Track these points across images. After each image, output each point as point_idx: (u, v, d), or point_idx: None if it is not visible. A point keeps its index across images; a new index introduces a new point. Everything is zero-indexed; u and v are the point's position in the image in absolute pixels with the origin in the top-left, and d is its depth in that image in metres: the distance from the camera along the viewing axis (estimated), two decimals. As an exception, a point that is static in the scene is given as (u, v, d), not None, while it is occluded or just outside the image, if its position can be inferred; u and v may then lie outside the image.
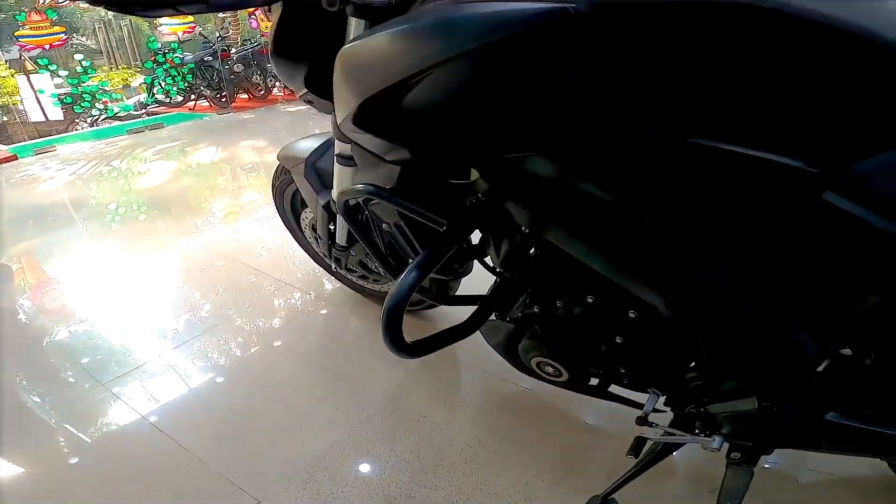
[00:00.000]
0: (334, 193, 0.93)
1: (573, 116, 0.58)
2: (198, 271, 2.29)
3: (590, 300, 0.82)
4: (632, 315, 0.79)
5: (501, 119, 0.62)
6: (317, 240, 1.75)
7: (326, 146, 1.39)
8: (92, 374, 1.69)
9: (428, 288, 1.43)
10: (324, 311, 1.95)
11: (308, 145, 1.44)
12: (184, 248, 2.58)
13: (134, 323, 1.96)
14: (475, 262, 1.09)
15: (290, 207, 1.76)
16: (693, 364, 0.84)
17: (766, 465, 1.19)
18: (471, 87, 0.60)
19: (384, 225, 0.93)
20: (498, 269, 0.93)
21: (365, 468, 1.28)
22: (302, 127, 5.52)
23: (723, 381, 0.76)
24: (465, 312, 1.04)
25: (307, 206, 1.71)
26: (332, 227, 1.40)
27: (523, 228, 0.77)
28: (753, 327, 0.64)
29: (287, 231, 1.90)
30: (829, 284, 0.59)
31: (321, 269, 2.07)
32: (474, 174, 0.74)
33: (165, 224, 3.05)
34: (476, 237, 0.98)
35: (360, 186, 0.84)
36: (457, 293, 1.45)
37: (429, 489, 1.21)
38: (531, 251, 0.86)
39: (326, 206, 1.32)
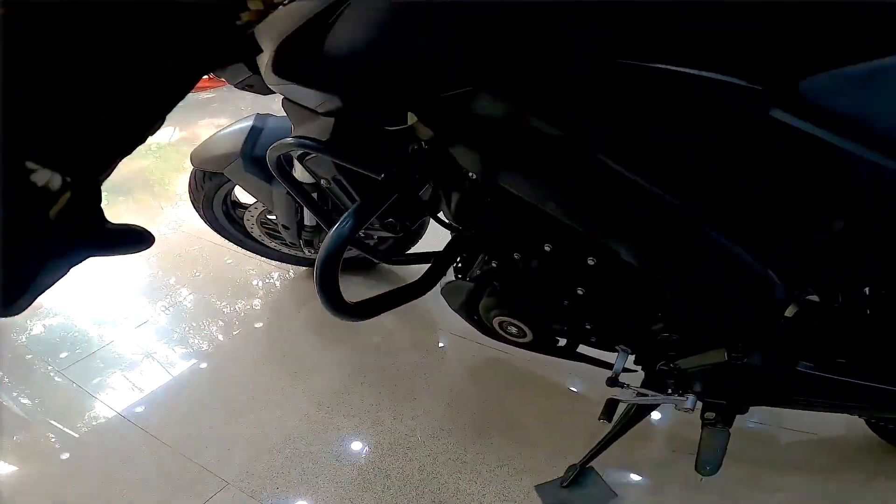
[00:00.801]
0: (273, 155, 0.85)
1: (519, 43, 0.52)
2: (174, 256, 2.20)
3: (547, 249, 0.76)
4: (590, 262, 0.73)
5: (437, 50, 0.55)
6: (270, 234, 1.66)
7: (255, 133, 1.28)
8: (46, 360, 1.63)
9: (377, 248, 1.36)
10: (293, 289, 1.89)
11: (228, 142, 1.31)
12: (154, 232, 2.46)
13: (105, 311, 1.87)
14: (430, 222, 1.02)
15: (224, 215, 1.62)
16: (660, 315, 0.79)
17: (746, 426, 1.16)
18: (398, 16, 0.53)
19: (322, 181, 0.86)
20: (452, 223, 0.87)
21: (335, 444, 1.24)
22: (265, 103, 5.27)
23: (690, 332, 0.72)
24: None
25: (245, 207, 1.61)
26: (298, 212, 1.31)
27: (471, 174, 0.71)
28: (718, 269, 0.59)
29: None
30: (789, 212, 0.55)
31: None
32: (412, 118, 0.67)
33: (128, 208, 2.93)
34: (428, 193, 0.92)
35: (290, 140, 0.77)
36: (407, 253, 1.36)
37: (403, 461, 1.18)
38: (483, 199, 0.80)
39: None
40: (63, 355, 1.66)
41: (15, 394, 1.55)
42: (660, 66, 0.47)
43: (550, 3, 0.47)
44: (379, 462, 1.18)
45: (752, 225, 0.56)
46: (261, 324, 1.73)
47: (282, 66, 0.64)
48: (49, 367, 1.63)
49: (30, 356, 1.69)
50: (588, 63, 0.50)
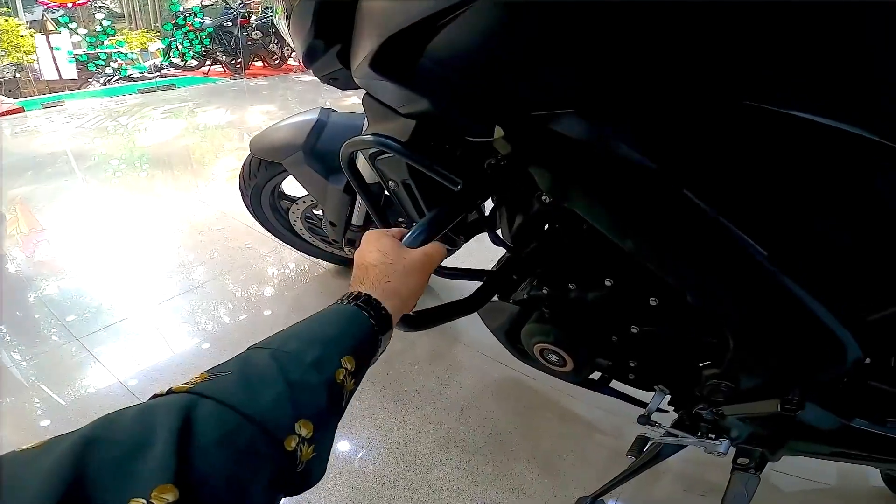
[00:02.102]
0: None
1: (623, 71, 0.51)
2: (196, 234, 2.24)
3: (607, 283, 0.76)
4: (652, 303, 0.72)
5: (540, 69, 0.55)
6: (311, 229, 1.68)
7: (318, 127, 1.29)
8: (71, 331, 1.64)
9: None
10: (322, 282, 1.90)
11: (290, 133, 1.32)
12: (183, 207, 2.52)
13: (123, 280, 1.91)
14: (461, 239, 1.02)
15: (269, 204, 1.64)
16: (710, 362, 0.78)
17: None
18: (508, 31, 0.53)
19: (390, 183, 0.86)
20: (508, 244, 0.87)
21: (343, 447, 1.23)
22: (312, 95, 5.46)
23: (745, 381, 0.70)
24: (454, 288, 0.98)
25: (292, 200, 1.63)
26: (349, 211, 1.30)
27: (544, 198, 0.71)
28: (795, 323, 0.58)
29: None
30: (889, 281, 0.53)
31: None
32: (497, 132, 0.68)
33: (164, 181, 2.99)
34: (487, 208, 0.92)
35: (369, 137, 0.77)
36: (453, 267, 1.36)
37: (412, 472, 1.16)
38: (548, 224, 0.80)
39: (348, 188, 1.23)
40: (71, 318, 1.69)
41: (15, 354, 1.57)
42: (790, 112, 0.46)
43: (678, 35, 0.47)
44: (388, 470, 1.17)
45: (844, 287, 0.55)
46: (269, 312, 1.74)
47: (380, 62, 0.64)
48: (53, 329, 1.65)
49: (38, 316, 1.72)
50: (710, 100, 0.49)
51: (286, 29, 0.85)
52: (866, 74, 0.43)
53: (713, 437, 0.80)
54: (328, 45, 0.78)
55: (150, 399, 0.35)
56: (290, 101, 5.28)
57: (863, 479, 1.12)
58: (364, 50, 0.66)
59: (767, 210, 0.53)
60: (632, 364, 0.85)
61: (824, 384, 0.66)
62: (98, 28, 6.41)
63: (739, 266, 0.57)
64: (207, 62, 6.98)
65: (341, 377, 0.42)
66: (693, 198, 0.55)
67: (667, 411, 0.92)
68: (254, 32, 6.70)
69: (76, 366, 1.49)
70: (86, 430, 0.30)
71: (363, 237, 0.62)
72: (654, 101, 0.52)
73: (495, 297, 0.96)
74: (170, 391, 0.35)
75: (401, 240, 0.62)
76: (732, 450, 0.81)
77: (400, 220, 1.09)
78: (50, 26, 6.35)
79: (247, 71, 6.78)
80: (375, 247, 0.58)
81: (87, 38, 6.39)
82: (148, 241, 2.21)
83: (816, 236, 0.53)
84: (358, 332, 0.47)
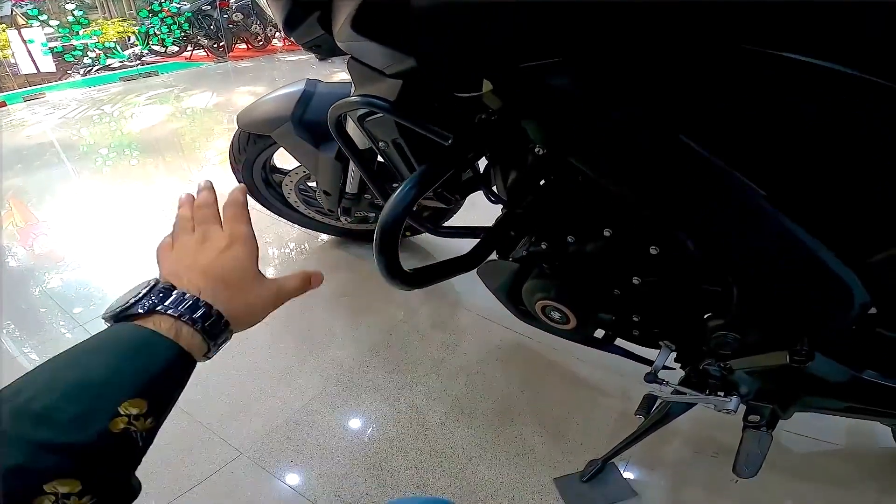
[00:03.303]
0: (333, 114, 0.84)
1: (614, 18, 0.49)
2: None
3: (606, 234, 0.74)
4: (653, 251, 0.71)
5: (526, 17, 0.53)
6: (306, 201, 1.66)
7: (306, 98, 1.27)
8: (77, 320, 1.63)
9: (422, 215, 1.34)
10: (321, 255, 1.88)
11: (277, 105, 1.30)
12: (176, 191, 2.48)
13: (122, 269, 1.90)
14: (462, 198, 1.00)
15: (262, 179, 1.62)
16: (714, 313, 0.77)
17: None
18: None
19: (381, 144, 0.84)
20: (504, 199, 0.85)
21: (353, 419, 1.24)
22: (300, 74, 5.27)
23: (752, 333, 0.69)
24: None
25: (284, 172, 1.61)
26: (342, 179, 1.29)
27: (538, 150, 0.68)
28: (798, 265, 0.56)
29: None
30: (885, 217, 0.52)
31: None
32: (486, 86, 0.65)
33: (157, 168, 2.95)
34: (482, 166, 0.90)
35: (356, 98, 0.75)
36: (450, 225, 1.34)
37: (421, 440, 1.17)
38: (544, 177, 0.78)
39: (339, 155, 1.21)
40: (77, 310, 1.68)
41: (24, 347, 1.56)
42: (790, 55, 0.45)
43: None
44: (397, 440, 1.17)
45: (847, 227, 0.54)
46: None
47: (362, 23, 0.62)
48: (62, 322, 1.64)
49: (44, 309, 1.71)
50: (707, 45, 0.48)
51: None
52: (860, 15, 0.43)
53: (722, 393, 0.79)
54: (308, 12, 0.76)
55: None
56: (276, 81, 5.17)
57: (871, 439, 1.13)
58: (344, 12, 0.64)
59: (766, 151, 0.52)
60: (635, 319, 0.85)
61: (833, 333, 0.65)
62: (70, 19, 6.26)
63: (739, 208, 0.55)
64: (189, 47, 6.84)
65: (121, 425, 0.33)
66: (690, 142, 0.54)
67: (673, 369, 0.91)
68: (234, 14, 6.54)
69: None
70: None
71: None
72: (648, 48, 0.50)
73: (494, 256, 0.95)
74: None
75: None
76: (742, 408, 0.80)
77: (394, 184, 1.08)
78: (20, 20, 6.21)
79: (230, 54, 6.64)
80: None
81: (60, 30, 6.25)
82: (144, 227, 2.18)
83: (815, 176, 0.52)
84: (153, 364, 0.36)
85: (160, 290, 0.39)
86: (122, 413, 0.33)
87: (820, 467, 1.09)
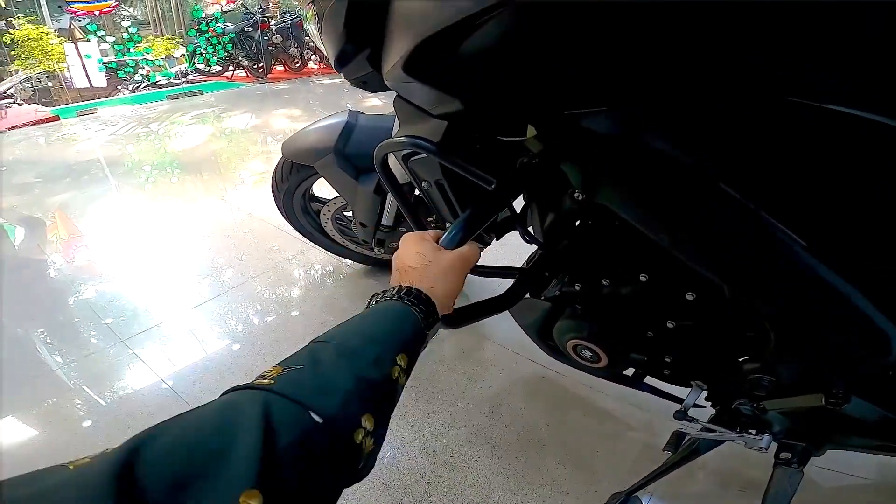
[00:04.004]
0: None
1: (658, 70, 0.51)
2: (224, 237, 2.29)
3: (643, 279, 0.75)
4: (689, 297, 0.72)
5: (572, 68, 0.55)
6: (341, 231, 1.71)
7: (348, 130, 1.31)
8: (114, 331, 1.70)
9: None
10: (349, 282, 1.92)
11: (321, 136, 1.34)
12: (212, 211, 2.59)
13: (156, 284, 1.97)
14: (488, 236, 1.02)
15: (301, 209, 1.67)
16: (749, 357, 0.77)
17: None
18: (539, 32, 0.53)
19: (423, 183, 0.87)
20: (540, 240, 0.87)
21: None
22: (334, 98, 5.53)
23: (787, 375, 0.69)
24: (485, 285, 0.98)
25: (323, 202, 1.65)
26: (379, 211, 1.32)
27: (576, 195, 0.71)
28: (836, 314, 0.57)
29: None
30: None
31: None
32: (530, 131, 0.68)
33: (195, 186, 3.07)
34: (518, 206, 0.92)
35: (403, 139, 0.78)
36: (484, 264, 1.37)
37: (444, 468, 1.17)
38: (581, 220, 0.80)
39: (378, 189, 1.25)
40: (109, 321, 1.75)
41: (56, 357, 1.62)
42: (833, 107, 0.46)
43: (718, 33, 0.47)
44: (421, 467, 1.18)
45: (885, 278, 0.54)
46: (297, 312, 1.77)
47: (414, 65, 0.64)
48: (94, 332, 1.71)
49: (78, 319, 1.79)
50: (751, 97, 0.49)
51: (317, 33, 0.87)
52: None
53: (753, 431, 0.79)
54: (359, 49, 0.79)
55: (227, 392, 0.37)
56: (312, 104, 5.35)
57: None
58: (396, 53, 0.66)
59: (806, 202, 0.53)
60: (667, 359, 0.85)
61: (869, 377, 0.64)
62: (125, 35, 6.58)
63: (779, 258, 0.56)
64: (231, 67, 7.11)
65: (396, 374, 0.43)
66: (731, 191, 0.55)
67: (703, 406, 0.91)
68: (274, 37, 6.79)
69: (119, 366, 1.55)
70: (138, 436, 0.31)
71: (401, 240, 0.63)
72: (690, 98, 0.52)
73: (527, 295, 0.97)
74: (248, 386, 0.37)
75: (437, 241, 0.63)
76: (774, 445, 0.79)
77: (429, 219, 1.11)
78: (78, 34, 6.53)
79: (269, 75, 6.88)
80: (414, 249, 0.59)
81: (115, 46, 6.56)
82: (179, 244, 2.27)
83: (855, 228, 0.53)
84: (409, 330, 0.48)
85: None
86: (397, 363, 0.44)
87: (848, 502, 1.07)
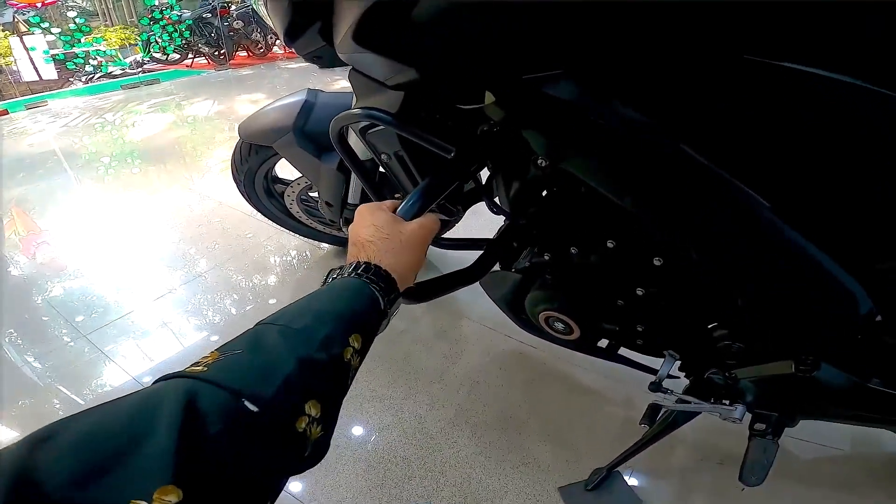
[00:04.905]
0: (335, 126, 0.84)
1: (616, 30, 0.49)
2: (195, 226, 2.22)
3: (610, 245, 0.74)
4: (657, 263, 0.71)
5: (528, 30, 0.53)
6: (308, 211, 1.66)
7: (307, 108, 1.26)
8: (79, 329, 1.63)
9: None
10: (323, 265, 1.88)
11: (279, 115, 1.29)
12: (179, 200, 2.50)
13: (125, 277, 1.90)
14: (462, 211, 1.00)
15: (264, 189, 1.62)
16: (719, 323, 0.77)
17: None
18: None
19: (383, 156, 0.84)
20: (507, 210, 0.85)
21: (354, 428, 1.23)
22: (301, 82, 5.38)
23: (757, 342, 0.69)
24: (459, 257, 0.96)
25: (286, 183, 1.60)
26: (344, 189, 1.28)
27: (540, 161, 0.68)
28: (802, 275, 0.56)
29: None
30: (888, 225, 0.52)
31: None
32: (488, 98, 0.65)
33: (159, 176, 2.96)
34: (484, 176, 0.90)
35: (358, 111, 0.75)
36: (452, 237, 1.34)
37: (425, 450, 1.16)
38: (546, 188, 0.78)
39: (341, 166, 1.21)
40: (79, 319, 1.68)
41: (28, 356, 1.56)
42: (790, 65, 0.45)
43: None
44: (401, 449, 1.17)
45: (850, 237, 0.54)
46: (274, 300, 1.73)
47: (363, 34, 0.62)
48: (64, 330, 1.64)
49: (46, 318, 1.71)
50: (709, 55, 0.48)
51: (265, 11, 0.83)
52: (860, 26, 0.43)
53: (727, 402, 0.79)
54: (308, 23, 0.76)
55: (154, 382, 0.34)
56: (277, 89, 5.20)
57: (877, 445, 1.12)
58: (346, 23, 0.63)
59: (768, 161, 0.52)
60: (639, 329, 0.84)
61: (838, 342, 0.65)
62: (72, 27, 6.29)
63: (743, 218, 0.55)
64: (190, 55, 6.86)
65: (349, 355, 0.41)
66: (692, 152, 0.53)
67: (678, 377, 0.91)
68: (235, 22, 6.57)
69: (88, 363, 1.49)
70: (52, 424, 0.28)
71: (356, 212, 0.60)
72: (649, 59, 0.50)
73: (497, 267, 0.95)
74: (177, 374, 0.34)
75: (394, 212, 0.60)
76: (748, 416, 0.80)
77: (396, 195, 1.08)
78: (22, 27, 6.24)
79: (231, 61, 6.67)
80: (370, 221, 0.56)
81: (62, 38, 6.28)
82: (147, 236, 2.19)
83: (818, 186, 0.52)
84: (366, 308, 0.46)
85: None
86: (350, 344, 0.41)
87: (826, 473, 1.08)
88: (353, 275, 0.49)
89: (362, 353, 0.44)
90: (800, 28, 0.44)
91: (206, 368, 0.34)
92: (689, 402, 0.83)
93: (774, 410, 0.77)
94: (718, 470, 1.08)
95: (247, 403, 0.32)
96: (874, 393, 0.66)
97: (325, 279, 0.50)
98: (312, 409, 0.36)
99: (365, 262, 0.50)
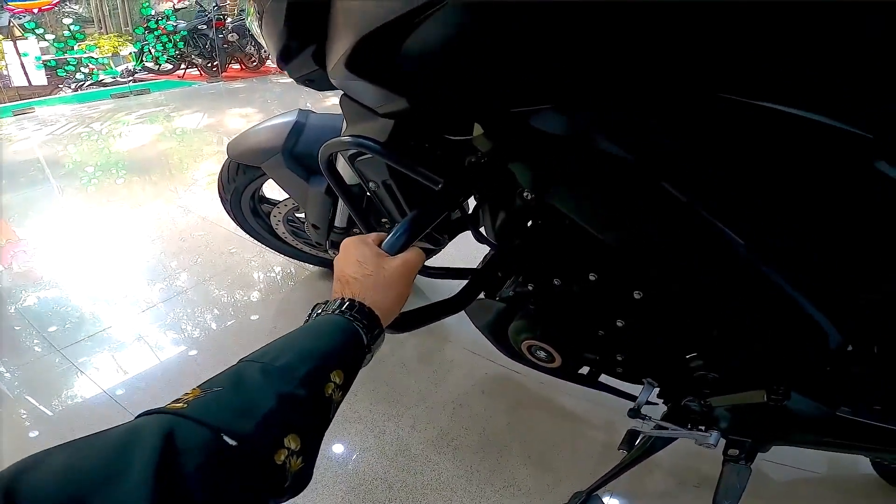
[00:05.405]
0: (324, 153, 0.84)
1: (599, 67, 0.51)
2: (178, 240, 2.20)
3: (592, 278, 0.76)
4: (637, 296, 0.72)
5: (517, 66, 0.54)
6: (294, 233, 1.65)
7: (297, 130, 1.27)
8: (53, 343, 1.60)
9: None
10: (307, 285, 1.88)
11: (269, 136, 1.29)
12: (163, 214, 2.48)
13: (103, 290, 1.87)
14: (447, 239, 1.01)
15: (250, 211, 1.61)
16: (695, 353, 0.79)
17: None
18: (483, 29, 0.52)
19: (371, 184, 0.85)
20: (492, 241, 0.86)
21: (337, 449, 1.22)
22: (292, 97, 5.40)
23: (731, 372, 0.71)
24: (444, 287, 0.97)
25: (273, 203, 1.60)
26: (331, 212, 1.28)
27: (525, 194, 0.70)
28: (775, 310, 0.58)
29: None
30: (864, 267, 0.54)
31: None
32: (476, 130, 0.67)
33: (143, 188, 2.93)
34: (471, 206, 0.91)
35: (347, 138, 0.76)
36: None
37: (406, 472, 1.16)
38: (531, 220, 0.79)
39: (329, 190, 1.21)
40: (52, 329, 1.65)
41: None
42: (764, 103, 0.46)
43: (653, 30, 0.47)
44: (382, 471, 1.16)
45: (821, 275, 0.56)
46: (257, 316, 1.71)
47: (356, 62, 0.63)
48: (36, 341, 1.61)
49: (18, 327, 1.68)
50: (685, 93, 0.49)
51: (258, 31, 0.84)
52: (833, 66, 0.44)
53: (703, 428, 0.80)
54: (302, 46, 0.77)
55: (136, 417, 0.35)
56: (269, 104, 5.22)
57: (853, 467, 1.14)
58: (339, 50, 0.65)
59: (743, 200, 0.54)
60: (619, 358, 0.86)
61: (809, 373, 0.67)
62: (66, 33, 6.26)
63: (718, 256, 0.57)
64: (182, 66, 6.86)
65: (330, 391, 0.42)
66: (671, 189, 0.55)
67: (656, 404, 0.92)
68: (230, 35, 6.59)
69: (60, 376, 1.45)
70: (25, 460, 0.29)
71: (341, 245, 0.60)
72: (630, 96, 0.52)
73: (481, 295, 0.96)
74: (157, 411, 0.35)
75: (380, 245, 0.61)
76: (723, 442, 0.81)
77: (383, 220, 1.08)
78: (17, 32, 6.19)
79: (224, 73, 6.68)
80: (354, 256, 0.57)
81: (56, 44, 6.24)
82: (128, 249, 2.16)
83: (792, 226, 0.54)
84: (348, 345, 0.47)
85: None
86: (331, 380, 0.42)
87: (801, 496, 1.10)
88: (336, 312, 0.50)
89: (344, 387, 0.45)
90: (773, 67, 0.45)
91: (185, 405, 0.35)
92: (667, 428, 0.85)
93: (748, 437, 0.78)
94: (695, 493, 1.10)
95: (226, 438, 0.33)
96: (843, 421, 0.68)
97: (310, 314, 0.51)
98: (292, 443, 0.37)
99: (349, 300, 0.51)
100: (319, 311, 0.51)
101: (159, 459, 0.30)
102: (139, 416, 0.35)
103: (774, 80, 0.46)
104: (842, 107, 0.45)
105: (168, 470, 0.30)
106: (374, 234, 0.63)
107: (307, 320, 0.50)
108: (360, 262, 0.56)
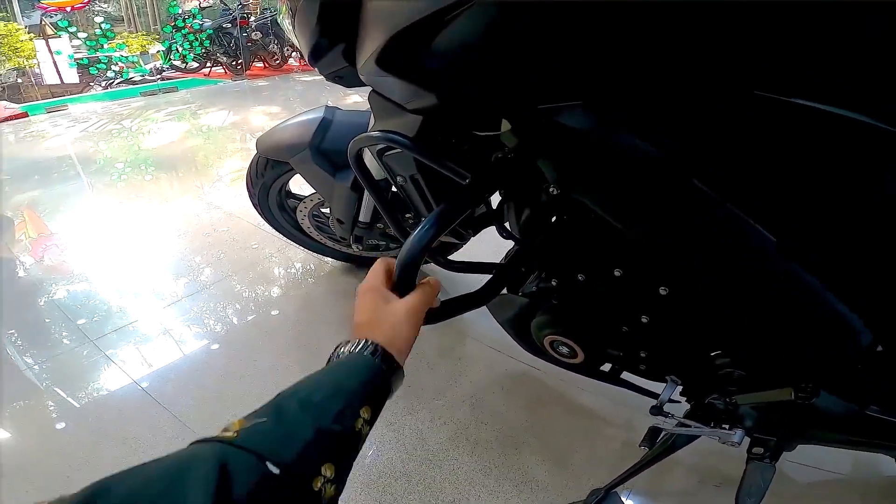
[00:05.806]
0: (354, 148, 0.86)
1: (631, 64, 0.51)
2: (202, 235, 2.25)
3: (617, 273, 0.76)
4: (662, 292, 0.72)
5: (546, 63, 0.55)
6: (319, 227, 1.69)
7: (324, 125, 1.29)
8: (85, 333, 1.65)
9: (436, 250, 1.36)
10: (329, 280, 1.91)
11: (297, 132, 1.33)
12: (189, 209, 2.54)
13: (130, 283, 1.92)
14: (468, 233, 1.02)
15: (277, 206, 1.65)
16: (721, 351, 0.78)
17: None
18: (513, 26, 0.53)
19: (398, 178, 0.86)
20: (516, 236, 0.87)
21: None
22: (314, 95, 5.47)
23: (758, 370, 0.70)
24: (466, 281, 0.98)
25: (299, 198, 1.64)
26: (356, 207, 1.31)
27: (552, 189, 0.71)
28: (805, 309, 0.58)
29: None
30: (892, 262, 0.53)
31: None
32: (504, 126, 0.68)
33: (170, 184, 3.01)
34: (494, 201, 0.92)
35: (377, 133, 0.77)
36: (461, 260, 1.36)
37: (425, 466, 1.17)
38: (556, 216, 0.80)
39: (355, 185, 1.24)
40: (81, 321, 1.70)
41: (27, 358, 1.58)
42: (799, 101, 0.46)
43: (688, 28, 0.47)
44: (400, 465, 1.17)
45: (853, 274, 0.55)
46: (277, 311, 1.74)
47: (387, 59, 0.64)
48: (65, 333, 1.66)
49: (49, 320, 1.73)
50: (720, 91, 0.49)
51: (291, 28, 0.86)
52: (869, 64, 0.44)
53: (727, 426, 0.80)
54: (333, 44, 0.79)
55: (190, 445, 0.39)
56: (291, 101, 5.29)
57: (876, 468, 1.13)
58: (370, 47, 0.66)
59: (775, 198, 0.54)
60: (643, 354, 0.85)
61: (838, 371, 0.66)
62: (97, 32, 6.43)
63: (748, 252, 0.57)
64: (208, 64, 7.00)
65: (360, 425, 0.46)
66: (702, 186, 0.55)
67: (679, 402, 0.92)
68: (253, 33, 6.70)
69: (90, 368, 1.50)
70: (93, 486, 0.32)
71: (357, 292, 0.62)
72: (663, 93, 0.52)
73: (504, 290, 0.97)
74: (211, 439, 0.39)
75: (391, 286, 0.63)
76: (747, 440, 0.81)
77: (407, 215, 1.10)
78: (49, 31, 6.38)
79: (247, 72, 6.79)
80: (366, 305, 0.60)
81: (87, 42, 6.42)
82: (155, 243, 2.22)
83: (824, 223, 0.54)
84: (373, 383, 0.51)
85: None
86: (361, 416, 0.46)
87: (823, 497, 1.09)
88: (357, 352, 0.54)
89: (371, 422, 0.49)
90: (808, 65, 0.45)
91: (235, 434, 0.39)
92: (690, 426, 0.84)
93: (773, 435, 0.78)
94: (716, 492, 1.09)
95: (269, 466, 0.37)
96: (872, 420, 0.67)
97: (334, 351, 0.56)
98: (328, 471, 0.41)
99: (372, 344, 0.55)
100: (342, 351, 0.55)
101: (217, 486, 0.33)
102: (193, 443, 0.39)
103: (812, 77, 0.46)
104: (880, 105, 0.45)
105: (223, 495, 0.33)
106: (383, 276, 0.64)
107: (331, 358, 0.55)
108: (370, 310, 0.59)
